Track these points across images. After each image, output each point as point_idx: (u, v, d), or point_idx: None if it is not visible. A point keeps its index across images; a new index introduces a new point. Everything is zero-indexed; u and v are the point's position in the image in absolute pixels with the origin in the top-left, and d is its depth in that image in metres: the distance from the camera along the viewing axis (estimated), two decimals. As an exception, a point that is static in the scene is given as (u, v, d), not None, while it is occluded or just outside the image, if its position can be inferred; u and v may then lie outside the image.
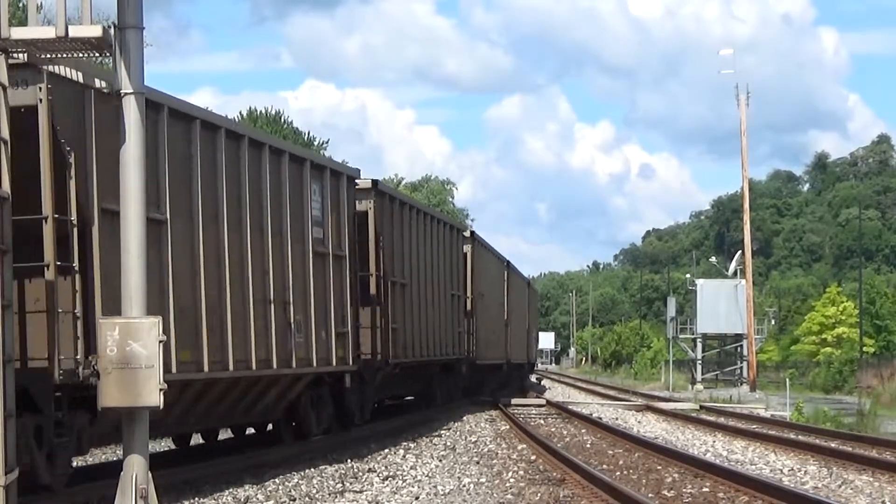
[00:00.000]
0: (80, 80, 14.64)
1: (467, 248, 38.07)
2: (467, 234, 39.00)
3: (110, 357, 11.93)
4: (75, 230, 14.23)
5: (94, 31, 12.07)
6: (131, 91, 12.24)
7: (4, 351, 11.28)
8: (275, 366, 19.56)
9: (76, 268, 14.22)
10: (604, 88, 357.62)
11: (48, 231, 13.87)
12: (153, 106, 15.81)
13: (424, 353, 30.94)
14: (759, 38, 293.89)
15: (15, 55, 12.42)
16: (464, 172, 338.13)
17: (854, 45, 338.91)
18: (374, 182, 26.39)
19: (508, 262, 49.89)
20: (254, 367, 18.78)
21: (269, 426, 23.98)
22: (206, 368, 17.22)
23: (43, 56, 12.76)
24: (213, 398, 18.39)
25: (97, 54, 12.64)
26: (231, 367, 18.02)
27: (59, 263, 13.94)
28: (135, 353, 11.94)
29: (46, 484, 14.42)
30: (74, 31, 12.00)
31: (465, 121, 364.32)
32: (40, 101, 14.01)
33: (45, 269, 13.84)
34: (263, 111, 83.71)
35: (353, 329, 23.44)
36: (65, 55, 12.74)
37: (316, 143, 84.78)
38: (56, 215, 13.96)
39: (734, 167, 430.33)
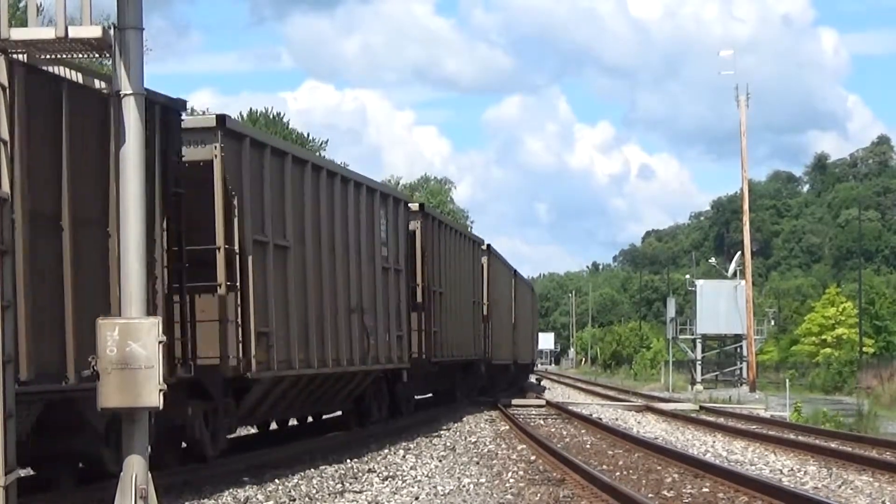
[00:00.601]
0: (244, 133, 19.18)
1: (484, 260, 42.68)
2: (484, 246, 43.13)
3: (110, 357, 11.93)
4: (237, 257, 18.29)
5: (94, 32, 12.08)
6: (131, 92, 12.24)
7: (4, 351, 11.28)
8: (357, 363, 23.68)
9: (238, 286, 18.26)
10: (603, 89, 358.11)
11: (220, 258, 17.91)
12: (278, 153, 20.29)
13: (455, 354, 35.48)
14: (758, 39, 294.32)
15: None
16: (463, 173, 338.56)
17: (854, 45, 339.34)
18: (422, 205, 31.44)
19: (515, 270, 54.93)
20: (344, 363, 22.94)
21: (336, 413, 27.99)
22: (315, 365, 21.39)
23: (43, 56, 12.76)
24: (311, 389, 22.34)
25: (97, 55, 12.65)
26: (329, 364, 22.11)
27: (227, 283, 17.97)
28: (134, 354, 11.94)
29: (210, 455, 18.35)
30: (74, 32, 12.00)
31: (464, 121, 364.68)
32: (215, 156, 17.97)
33: (217, 287, 17.86)
34: (264, 111, 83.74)
35: (406, 332, 27.81)
36: (65, 56, 12.74)
37: (316, 144, 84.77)
38: (226, 246, 17.98)
39: (733, 168, 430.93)
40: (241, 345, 18.35)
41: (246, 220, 18.67)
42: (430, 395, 39.10)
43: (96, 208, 14.06)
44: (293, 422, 27.98)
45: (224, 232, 18.04)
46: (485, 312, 42.53)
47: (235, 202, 18.34)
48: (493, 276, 44.27)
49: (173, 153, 15.85)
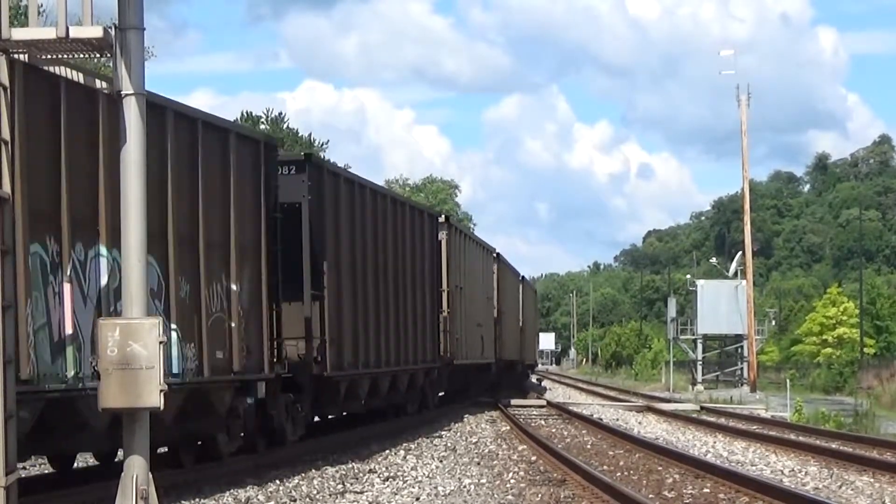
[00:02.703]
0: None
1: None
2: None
3: (111, 357, 11.92)
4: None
5: (95, 32, 12.07)
6: (132, 92, 12.23)
7: (5, 351, 11.28)
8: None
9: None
10: (602, 88, 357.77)
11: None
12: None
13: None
14: (757, 38, 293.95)
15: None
16: (463, 173, 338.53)
17: (853, 44, 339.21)
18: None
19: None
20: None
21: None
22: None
23: (44, 57, 12.75)
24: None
25: (97, 55, 12.63)
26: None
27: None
28: (135, 354, 11.93)
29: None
30: (75, 32, 11.99)
31: (463, 121, 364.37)
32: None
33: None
34: (264, 112, 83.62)
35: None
36: (65, 56, 12.74)
37: (316, 145, 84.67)
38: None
39: (733, 167, 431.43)
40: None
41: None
42: (448, 391, 39.86)
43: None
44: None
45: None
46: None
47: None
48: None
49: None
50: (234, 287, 17.76)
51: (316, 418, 26.26)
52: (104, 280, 14.21)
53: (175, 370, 15.74)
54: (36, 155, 13.23)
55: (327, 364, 21.64)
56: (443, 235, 32.71)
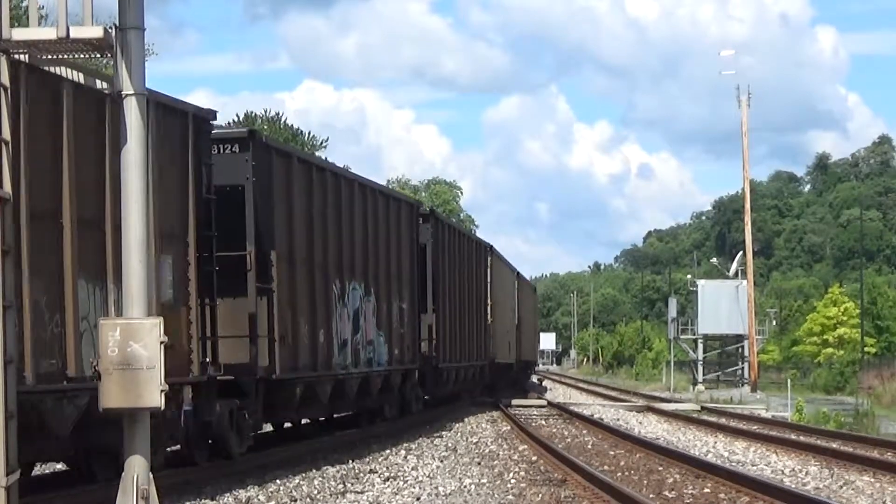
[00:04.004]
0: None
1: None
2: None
3: (111, 358, 11.92)
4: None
5: (96, 33, 12.07)
6: (132, 92, 12.23)
7: (5, 352, 11.28)
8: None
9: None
10: (602, 88, 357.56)
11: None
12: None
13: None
14: (756, 38, 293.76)
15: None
16: (464, 173, 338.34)
17: (853, 44, 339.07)
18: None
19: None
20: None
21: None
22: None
23: (44, 57, 12.75)
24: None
25: (98, 55, 12.64)
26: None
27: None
28: (136, 355, 11.93)
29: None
30: (76, 33, 11.99)
31: (463, 121, 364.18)
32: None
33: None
34: (264, 113, 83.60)
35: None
36: (66, 56, 12.73)
37: (316, 143, 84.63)
38: None
39: (732, 167, 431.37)
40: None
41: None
42: (434, 395, 39.39)
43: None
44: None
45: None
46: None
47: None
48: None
49: None
50: None
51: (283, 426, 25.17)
52: None
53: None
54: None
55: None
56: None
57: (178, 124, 16.51)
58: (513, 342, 51.74)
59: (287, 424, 24.98)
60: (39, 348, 13.25)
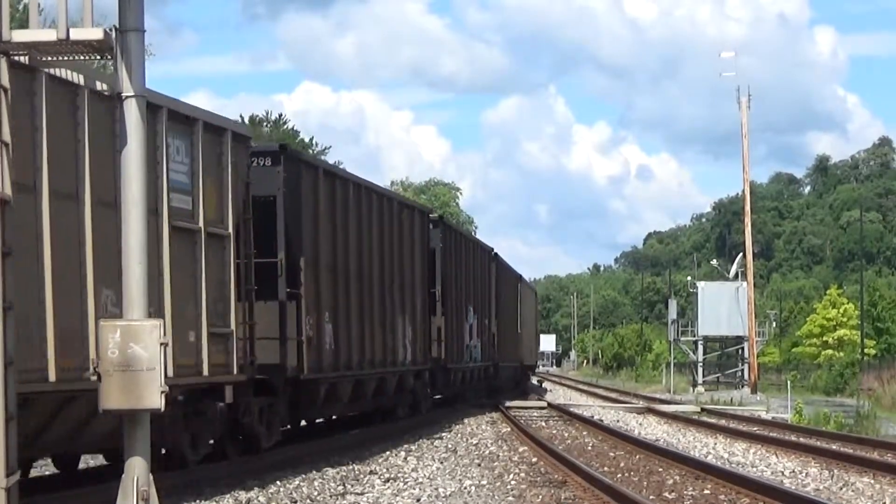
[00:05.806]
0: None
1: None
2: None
3: (111, 359, 11.92)
4: None
5: (96, 34, 12.06)
6: (132, 94, 12.23)
7: (6, 353, 11.28)
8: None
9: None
10: (600, 89, 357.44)
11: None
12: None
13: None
14: (754, 39, 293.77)
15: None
16: (463, 174, 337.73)
17: (852, 45, 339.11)
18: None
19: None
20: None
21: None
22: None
23: (43, 59, 12.75)
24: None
25: (98, 57, 12.64)
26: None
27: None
28: (136, 356, 11.92)
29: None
30: (76, 34, 11.98)
31: (462, 122, 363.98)
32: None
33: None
34: (265, 114, 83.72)
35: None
36: (66, 58, 12.73)
37: (318, 149, 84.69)
38: None
39: (732, 168, 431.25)
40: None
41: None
42: (443, 395, 39.79)
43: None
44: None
45: None
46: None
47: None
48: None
49: None
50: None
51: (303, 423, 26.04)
52: None
53: None
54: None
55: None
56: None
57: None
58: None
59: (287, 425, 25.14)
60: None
